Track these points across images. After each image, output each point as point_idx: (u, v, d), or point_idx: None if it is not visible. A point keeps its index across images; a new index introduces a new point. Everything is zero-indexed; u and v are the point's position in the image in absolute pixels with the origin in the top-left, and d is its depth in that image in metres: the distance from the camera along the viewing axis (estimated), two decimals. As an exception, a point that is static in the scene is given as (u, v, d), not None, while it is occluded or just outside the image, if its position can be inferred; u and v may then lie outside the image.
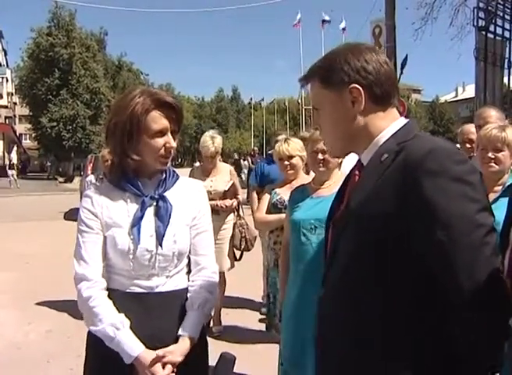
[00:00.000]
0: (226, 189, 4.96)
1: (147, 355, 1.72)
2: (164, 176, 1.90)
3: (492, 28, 12.90)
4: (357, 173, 1.46)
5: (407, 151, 1.26)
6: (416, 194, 1.19)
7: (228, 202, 4.92)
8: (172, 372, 1.75)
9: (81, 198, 2.12)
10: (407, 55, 13.46)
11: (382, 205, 1.25)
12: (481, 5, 12.76)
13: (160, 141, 1.79)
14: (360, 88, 1.35)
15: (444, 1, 13.90)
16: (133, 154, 1.79)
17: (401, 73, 13.48)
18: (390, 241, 1.24)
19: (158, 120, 1.78)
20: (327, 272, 1.44)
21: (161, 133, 1.79)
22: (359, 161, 1.46)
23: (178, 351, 1.77)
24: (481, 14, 12.79)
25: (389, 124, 1.37)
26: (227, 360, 1.89)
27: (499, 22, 13.05)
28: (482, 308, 1.16)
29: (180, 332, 1.80)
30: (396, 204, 1.22)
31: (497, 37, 12.99)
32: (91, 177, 6.00)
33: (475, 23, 12.80)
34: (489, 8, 12.80)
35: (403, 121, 1.39)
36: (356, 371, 1.32)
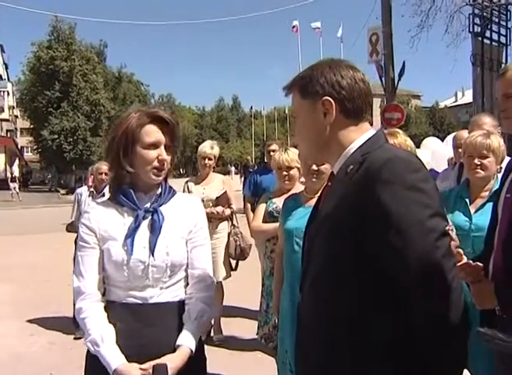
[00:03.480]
0: (218, 195, 5.01)
1: (126, 368, 1.74)
2: (160, 191, 1.97)
3: (488, 34, 12.98)
4: (329, 184, 1.54)
5: (368, 162, 1.34)
6: (373, 201, 1.27)
7: (219, 209, 4.97)
8: None
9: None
10: (404, 63, 13.60)
11: (347, 213, 1.33)
12: (476, 11, 12.85)
13: (153, 153, 1.87)
14: (332, 101, 1.43)
15: (439, 8, 13.98)
16: (128, 166, 1.86)
17: (399, 79, 13.58)
18: (357, 246, 1.32)
19: (151, 134, 1.87)
20: (303, 279, 1.52)
21: (155, 146, 1.87)
22: (332, 172, 1.54)
23: (169, 359, 1.78)
24: (477, 20, 12.88)
25: (358, 136, 1.45)
26: (160, 369, 1.82)
27: (495, 28, 13.13)
28: (439, 312, 1.23)
29: (178, 342, 1.83)
30: (358, 212, 1.30)
31: (493, 43, 13.07)
32: (82, 189, 5.88)
33: (471, 29, 12.88)
34: (485, 14, 12.89)
35: (371, 133, 1.47)
36: (326, 371, 1.40)
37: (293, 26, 41.03)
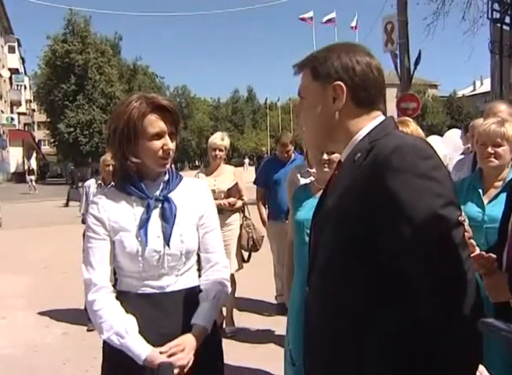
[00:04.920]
0: (230, 187, 4.98)
1: (155, 353, 1.76)
2: (167, 177, 1.94)
3: (507, 20, 12.69)
4: (336, 172, 1.49)
5: (377, 149, 1.27)
6: (382, 190, 1.21)
7: (231, 200, 4.93)
8: (185, 365, 1.76)
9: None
10: (420, 51, 13.41)
11: (354, 203, 1.27)
12: (496, -4, 12.57)
13: (158, 144, 1.83)
14: (344, 87, 1.36)
15: (456, -6, 13.71)
16: (133, 157, 1.83)
17: (415, 68, 13.40)
18: (363, 238, 1.26)
19: (154, 123, 1.82)
20: (310, 271, 1.47)
21: (159, 135, 1.83)
22: (339, 160, 1.48)
23: (186, 339, 1.80)
24: (496, 6, 12.61)
25: (367, 123, 1.38)
26: (165, 368, 1.81)
27: (515, 13, 12.83)
28: (448, 304, 1.18)
29: (193, 321, 1.85)
30: (365, 201, 1.24)
31: (513, 29, 12.77)
32: (90, 182, 5.81)
33: (490, 16, 12.61)
34: (504, -1, 12.60)
35: (380, 119, 1.40)
36: (333, 367, 1.35)
37: (302, 19, 40.80)
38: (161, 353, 1.75)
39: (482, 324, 1.11)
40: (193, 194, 1.98)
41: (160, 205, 1.88)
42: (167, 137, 1.85)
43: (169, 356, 1.75)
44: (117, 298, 1.86)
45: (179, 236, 1.86)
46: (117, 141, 1.83)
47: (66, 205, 20.49)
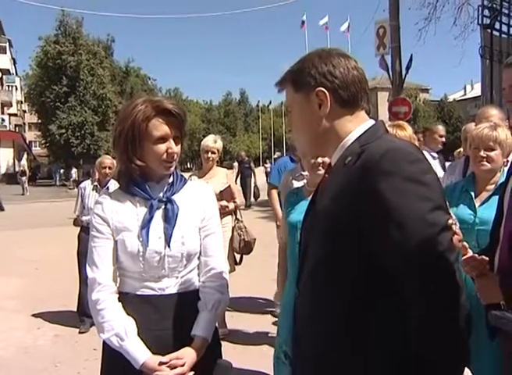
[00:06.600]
0: (222, 189, 4.98)
1: (153, 360, 1.75)
2: (172, 179, 1.95)
3: (497, 26, 12.83)
4: (326, 175, 1.50)
5: (367, 153, 1.29)
6: (371, 193, 1.22)
7: (224, 203, 4.93)
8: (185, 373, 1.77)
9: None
10: (411, 56, 13.50)
11: (343, 206, 1.29)
12: (485, 2, 12.71)
13: (162, 147, 1.85)
14: (326, 92, 1.39)
15: (447, 0, 13.85)
16: (137, 160, 1.85)
17: (406, 73, 13.48)
18: (351, 241, 1.27)
19: (159, 127, 1.84)
20: (299, 274, 1.48)
21: (163, 139, 1.85)
22: (329, 163, 1.50)
23: (187, 353, 1.79)
24: (486, 12, 12.73)
25: (356, 127, 1.40)
26: (224, 367, 1.90)
27: (505, 19, 12.98)
28: (436, 306, 1.19)
29: (194, 332, 1.84)
30: (355, 204, 1.26)
31: (503, 35, 12.92)
32: (85, 183, 5.76)
33: (480, 21, 12.75)
34: (494, 5, 12.74)
35: (370, 123, 1.42)
36: (323, 369, 1.36)
37: (303, 22, 40.90)
38: (160, 363, 1.74)
39: (492, 317, 1.12)
40: (197, 196, 1.99)
41: (163, 207, 1.89)
42: (171, 140, 1.87)
43: (169, 368, 1.74)
44: (118, 299, 1.86)
45: (180, 238, 1.87)
46: (122, 143, 1.85)
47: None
